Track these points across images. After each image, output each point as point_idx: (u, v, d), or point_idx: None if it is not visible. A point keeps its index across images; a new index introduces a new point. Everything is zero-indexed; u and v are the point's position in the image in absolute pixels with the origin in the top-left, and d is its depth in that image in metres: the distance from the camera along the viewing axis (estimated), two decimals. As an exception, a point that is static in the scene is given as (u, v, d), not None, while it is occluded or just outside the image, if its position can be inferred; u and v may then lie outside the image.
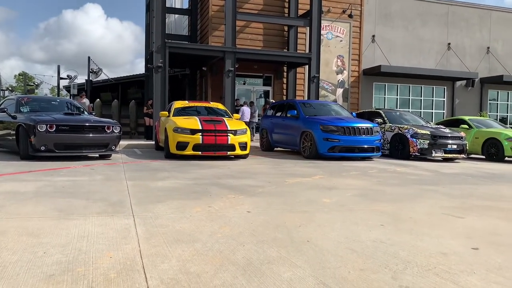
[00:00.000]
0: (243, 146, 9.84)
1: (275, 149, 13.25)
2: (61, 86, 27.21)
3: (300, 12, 18.44)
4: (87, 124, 8.87)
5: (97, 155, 9.63)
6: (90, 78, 19.76)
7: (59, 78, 23.83)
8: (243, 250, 2.82)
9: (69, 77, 23.88)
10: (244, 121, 13.79)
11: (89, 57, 19.71)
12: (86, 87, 19.27)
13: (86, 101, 16.43)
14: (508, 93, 23.20)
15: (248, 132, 10.16)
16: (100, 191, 5.04)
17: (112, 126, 9.19)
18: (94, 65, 20.18)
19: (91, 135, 8.81)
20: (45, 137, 8.32)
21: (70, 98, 24.10)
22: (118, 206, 4.16)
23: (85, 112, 10.46)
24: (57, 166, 7.53)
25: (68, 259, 2.55)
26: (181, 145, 9.41)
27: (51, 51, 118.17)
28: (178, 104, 11.54)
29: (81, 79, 25.88)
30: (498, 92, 23.01)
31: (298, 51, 18.34)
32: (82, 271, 2.36)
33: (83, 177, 6.22)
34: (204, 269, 2.43)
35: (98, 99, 19.19)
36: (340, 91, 19.69)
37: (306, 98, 18.15)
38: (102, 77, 21.74)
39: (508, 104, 23.35)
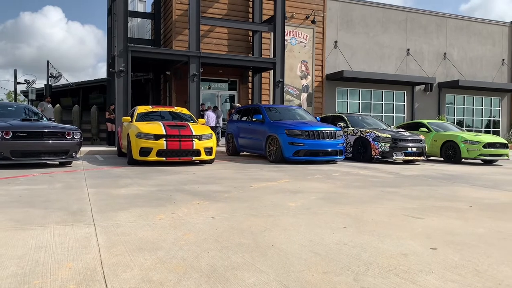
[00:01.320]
0: (209, 151, 9.79)
1: (241, 153, 13.26)
2: (18, 91, 26.23)
3: (264, 17, 18.60)
4: (46, 130, 8.58)
5: (57, 163, 9.34)
6: (50, 83, 19.14)
7: (16, 83, 22.97)
8: (208, 256, 2.80)
9: (27, 81, 23.07)
10: (209, 126, 13.75)
11: (48, 61, 19.11)
12: (45, 92, 18.66)
13: (50, 106, 15.86)
14: (464, 97, 24.18)
15: (214, 137, 10.11)
16: (60, 199, 4.88)
17: (73, 132, 8.94)
18: (53, 70, 19.57)
19: (50, 141, 8.54)
20: (1, 144, 8.00)
21: (29, 103, 23.28)
22: (79, 214, 4.05)
23: (44, 118, 10.13)
24: (14, 175, 7.25)
25: (25, 271, 2.46)
26: (145, 151, 9.25)
27: (8, 54, 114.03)
28: (141, 109, 11.36)
29: (40, 83, 25.04)
30: (454, 96, 23.94)
31: (263, 56, 18.47)
32: (39, 283, 2.28)
33: (42, 185, 6.01)
34: (167, 277, 2.40)
35: (58, 105, 18.63)
36: (304, 95, 19.96)
37: (271, 102, 18.29)
38: (63, 81, 21.12)
39: (464, 107, 24.33)
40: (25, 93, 27.22)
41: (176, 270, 2.52)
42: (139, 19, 23.91)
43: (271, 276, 2.44)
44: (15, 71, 22.86)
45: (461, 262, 2.76)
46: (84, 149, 12.43)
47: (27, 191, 5.43)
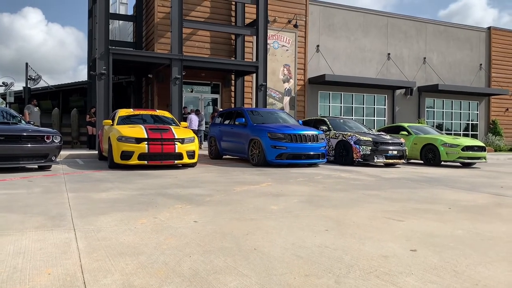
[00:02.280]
0: (191, 155, 9.75)
1: (224, 157, 13.24)
2: (-4, 94, 25.67)
3: (247, 21, 18.64)
4: (24, 133, 8.43)
5: (36, 166, 9.17)
6: (29, 86, 18.80)
7: (-6, 85, 22.48)
8: (190, 261, 2.79)
9: (4, 84, 22.57)
10: (192, 129, 13.68)
11: (27, 63, 18.76)
12: (24, 95, 18.31)
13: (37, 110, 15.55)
14: (443, 101, 24.63)
15: (196, 140, 10.08)
16: (39, 204, 4.80)
17: (52, 136, 8.79)
18: (32, 72, 19.22)
19: (29, 145, 8.38)
20: (-22, 148, 7.82)
21: (7, 106, 22.82)
22: (58, 219, 3.98)
23: (23, 121, 9.94)
24: (-9, 179, 7.09)
25: (2, 278, 2.41)
26: (126, 155, 9.17)
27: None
28: (122, 112, 11.25)
29: (19, 86, 24.55)
30: (434, 100, 24.36)
31: (245, 60, 18.50)
32: (17, 290, 2.23)
33: (20, 190, 5.90)
34: (148, 282, 2.38)
35: (37, 108, 18.28)
36: (287, 99, 20.04)
37: (254, 106, 18.32)
38: (42, 84, 20.74)
39: (443, 111, 24.77)
40: (3, 96, 26.63)
41: (158, 274, 2.51)
42: (121, 22, 23.73)
43: (253, 280, 2.45)
44: (-7, 73, 22.43)
45: (440, 264, 2.81)
46: (64, 152, 12.24)
47: (5, 196, 5.32)
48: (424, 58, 23.61)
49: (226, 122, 12.86)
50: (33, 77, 18.96)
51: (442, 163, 12.85)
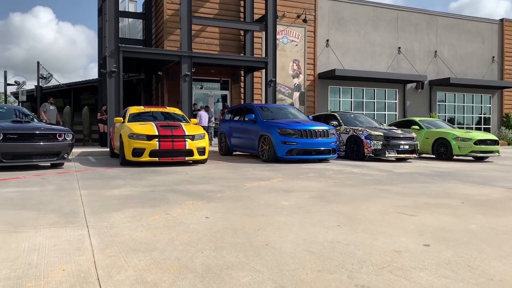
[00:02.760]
0: (202, 151, 9.77)
1: (234, 153, 13.25)
2: (8, 93, 25.99)
3: (256, 16, 18.58)
4: (37, 132, 8.52)
5: (49, 164, 9.27)
6: (40, 84, 18.97)
7: (6, 85, 22.74)
8: (202, 256, 2.80)
9: (17, 83, 22.82)
10: (202, 126, 13.71)
11: (38, 62, 18.93)
12: (36, 94, 18.49)
13: (53, 108, 15.66)
14: (455, 94, 24.35)
15: (207, 137, 10.10)
16: (52, 201, 4.85)
17: (64, 134, 8.88)
18: (44, 71, 19.39)
19: (41, 143, 8.47)
20: (-8, 146, 7.92)
21: (20, 105, 23.07)
22: (71, 216, 4.02)
23: (35, 120, 10.05)
24: (5, 177, 7.19)
25: (18, 274, 2.44)
26: (137, 152, 9.22)
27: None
28: (133, 109, 11.31)
29: (31, 85, 24.78)
30: (445, 93, 24.10)
31: (254, 56, 18.46)
32: (33, 286, 2.26)
33: (34, 188, 5.97)
34: (161, 278, 2.39)
35: (53, 106, 18.44)
36: (296, 94, 19.98)
37: (263, 102, 18.29)
38: (53, 82, 20.91)
39: (455, 105, 24.50)
40: (15, 95, 26.95)
41: (171, 270, 2.52)
42: (130, 19, 23.79)
43: (266, 275, 2.45)
44: (5, 73, 22.63)
45: (453, 258, 2.78)
46: (76, 150, 12.35)
47: (19, 193, 5.39)
48: (435, 51, 23.34)
49: (236, 118, 12.86)
50: (44, 76, 19.14)
51: (454, 157, 12.72)
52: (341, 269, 2.56)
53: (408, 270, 2.55)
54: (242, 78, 19.03)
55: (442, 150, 12.70)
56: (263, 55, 18.04)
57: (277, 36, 18.32)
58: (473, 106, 24.93)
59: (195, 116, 15.65)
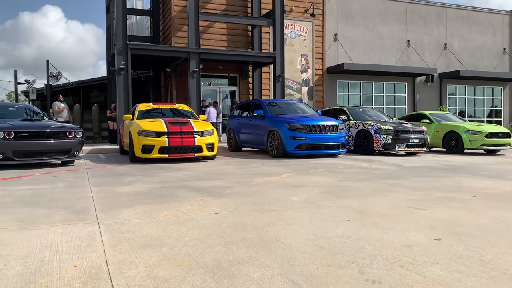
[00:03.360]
0: (211, 147, 9.79)
1: (243, 149, 13.26)
2: (19, 92, 26.20)
3: (263, 11, 18.52)
4: (47, 130, 8.59)
5: (59, 162, 9.35)
6: (50, 83, 19.12)
7: (17, 83, 22.95)
8: (212, 252, 2.80)
9: (27, 82, 23.03)
10: (211, 122, 13.73)
11: (47, 61, 19.06)
12: (46, 92, 18.63)
13: (64, 105, 15.77)
14: (465, 87, 24.09)
15: (215, 133, 10.11)
16: (63, 198, 4.89)
17: (74, 131, 8.94)
18: (53, 69, 19.53)
19: (52, 141, 8.54)
20: (3, 145, 8.01)
21: (30, 103, 23.29)
22: (82, 213, 4.05)
23: (46, 118, 10.13)
24: (16, 175, 7.26)
25: (30, 270, 2.47)
26: (147, 148, 9.27)
27: (8, 55, 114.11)
28: (142, 106, 11.36)
29: (40, 83, 24.99)
30: (456, 86, 23.85)
31: (262, 51, 18.41)
32: (45, 282, 2.29)
33: (45, 185, 6.02)
34: (172, 274, 2.40)
35: (64, 103, 18.58)
36: (305, 89, 19.91)
37: (271, 97, 18.26)
38: (63, 81, 21.06)
39: (465, 98, 24.24)
40: (26, 93, 27.23)
41: (181, 266, 2.53)
42: (138, 16, 23.86)
43: (276, 270, 2.45)
44: (15, 72, 22.83)
45: (465, 253, 2.75)
46: (86, 148, 12.45)
47: (30, 191, 5.44)
48: (445, 44, 23.09)
49: (244, 114, 12.86)
50: (54, 74, 19.27)
51: (465, 150, 12.60)
52: (352, 264, 2.55)
53: (419, 264, 2.53)
54: (250, 73, 19.00)
55: (452, 143, 12.58)
56: (271, 50, 17.98)
57: (285, 31, 18.25)
58: (484, 98, 24.65)
59: (203, 113, 15.68)
